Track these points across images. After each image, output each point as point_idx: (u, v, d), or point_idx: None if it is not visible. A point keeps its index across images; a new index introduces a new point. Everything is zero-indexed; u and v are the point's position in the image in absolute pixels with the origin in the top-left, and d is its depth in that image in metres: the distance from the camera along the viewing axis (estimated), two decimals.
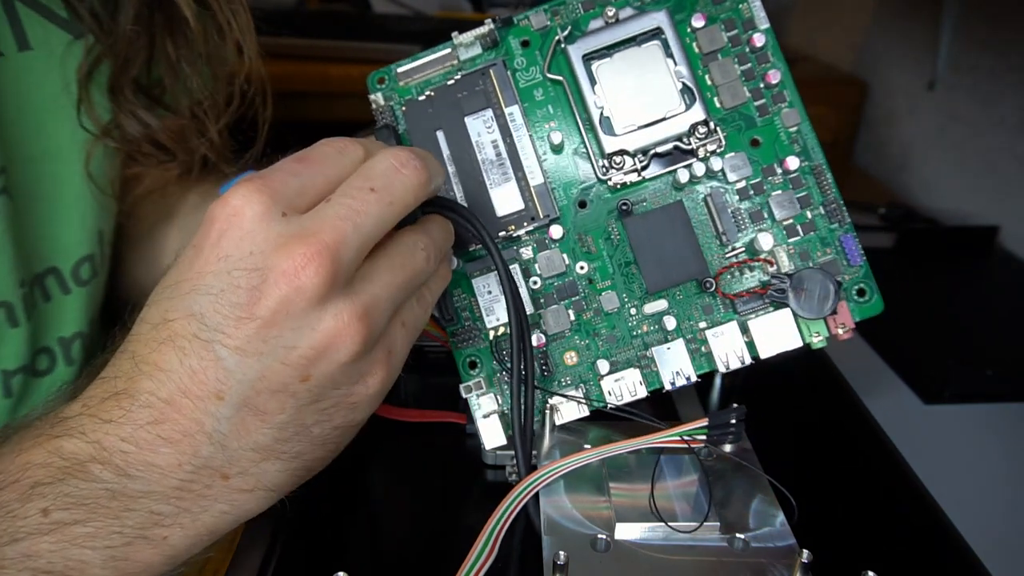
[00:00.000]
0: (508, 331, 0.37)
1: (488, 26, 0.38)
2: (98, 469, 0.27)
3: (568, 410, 0.38)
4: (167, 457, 0.27)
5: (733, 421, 0.35)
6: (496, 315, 0.38)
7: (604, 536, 0.33)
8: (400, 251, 0.31)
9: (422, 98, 0.38)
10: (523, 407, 0.35)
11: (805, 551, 0.30)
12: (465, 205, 0.37)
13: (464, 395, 0.38)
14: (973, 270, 0.73)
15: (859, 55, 1.02)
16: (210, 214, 0.28)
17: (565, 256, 0.38)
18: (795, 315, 0.36)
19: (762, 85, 0.37)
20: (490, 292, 0.38)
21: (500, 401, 0.38)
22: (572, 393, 0.38)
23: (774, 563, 0.32)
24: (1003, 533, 0.41)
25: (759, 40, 0.37)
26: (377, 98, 0.39)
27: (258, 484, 0.29)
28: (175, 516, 0.28)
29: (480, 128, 0.38)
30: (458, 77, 0.38)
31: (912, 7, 0.90)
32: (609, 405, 0.38)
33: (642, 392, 0.37)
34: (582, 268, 0.38)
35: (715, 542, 0.33)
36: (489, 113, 0.38)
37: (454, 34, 0.38)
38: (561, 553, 0.30)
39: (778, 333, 0.36)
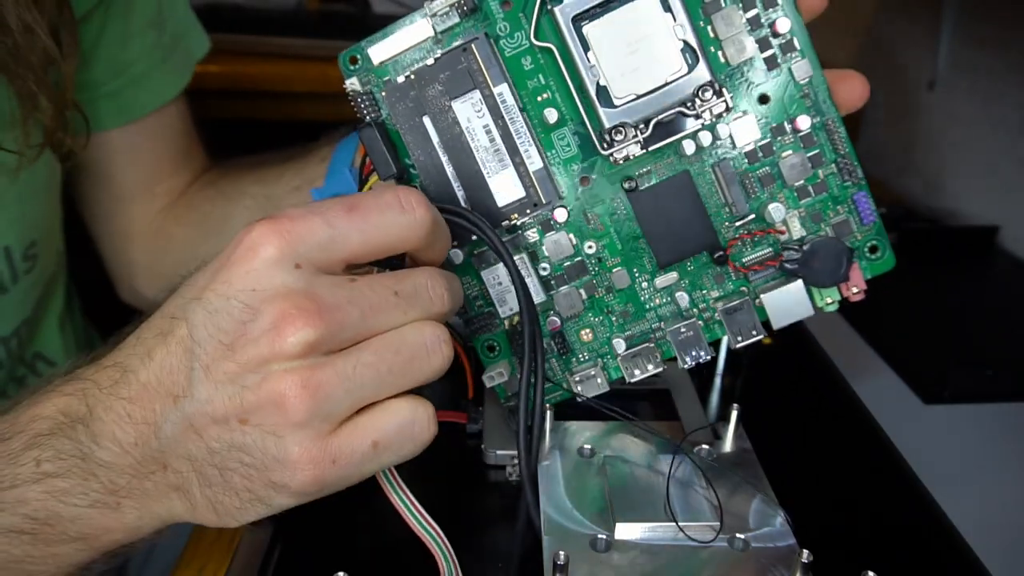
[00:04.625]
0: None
1: None
2: (80, 430, 0.30)
3: (588, 388, 0.38)
4: (128, 435, 0.30)
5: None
6: (509, 305, 0.38)
7: (604, 536, 0.33)
8: (404, 343, 0.30)
9: (401, 80, 0.36)
10: (531, 408, 0.35)
11: (805, 551, 0.30)
12: (465, 204, 0.37)
13: (488, 384, 0.38)
14: (973, 270, 0.73)
15: (859, 55, 1.02)
16: (238, 236, 0.29)
17: (572, 236, 0.37)
18: (807, 284, 0.36)
19: (769, 34, 0.34)
20: (500, 283, 0.38)
21: None
22: (587, 371, 0.38)
23: (774, 563, 0.32)
24: (1003, 533, 0.41)
25: None
26: (353, 83, 0.36)
27: (185, 489, 0.30)
28: (128, 491, 0.30)
29: (469, 112, 0.36)
30: (438, 55, 0.35)
31: (912, 7, 0.90)
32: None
33: (659, 367, 0.37)
34: (590, 247, 0.37)
35: (715, 542, 0.33)
36: (477, 95, 0.35)
37: (426, 2, 0.35)
38: (561, 553, 0.30)
39: (790, 304, 0.36)
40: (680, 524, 0.33)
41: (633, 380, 0.37)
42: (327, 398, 0.28)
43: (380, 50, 0.36)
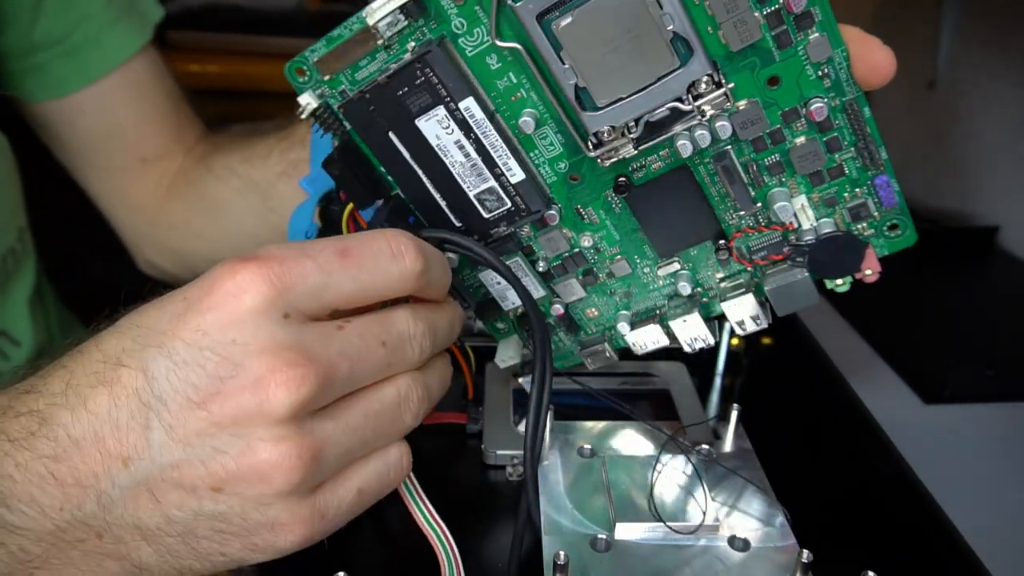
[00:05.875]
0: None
1: None
2: None
3: (596, 359, 0.39)
4: (52, 498, 0.25)
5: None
6: (511, 300, 0.38)
7: (604, 536, 0.33)
8: (385, 404, 0.29)
9: (356, 96, 0.32)
10: (539, 409, 0.35)
11: (805, 551, 0.30)
12: (449, 214, 0.35)
13: (501, 367, 0.41)
14: (973, 270, 0.73)
15: None
16: (214, 276, 0.26)
17: (567, 230, 0.36)
18: (816, 276, 0.34)
19: (781, 7, 0.28)
20: (499, 283, 0.37)
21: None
22: (595, 345, 0.39)
23: (774, 563, 0.32)
24: (1003, 533, 0.41)
25: None
26: (308, 100, 0.33)
27: (127, 557, 0.27)
28: (45, 560, 0.26)
29: (436, 130, 0.32)
30: (391, 70, 0.30)
31: (912, 7, 0.90)
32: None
33: (664, 341, 0.37)
34: (587, 240, 0.36)
35: (715, 542, 0.33)
36: (441, 111, 0.31)
37: (367, 8, 0.30)
38: (561, 553, 0.30)
39: (796, 294, 0.34)
40: (680, 524, 0.33)
41: (642, 353, 0.38)
42: (317, 467, 0.26)
43: (325, 61, 0.32)
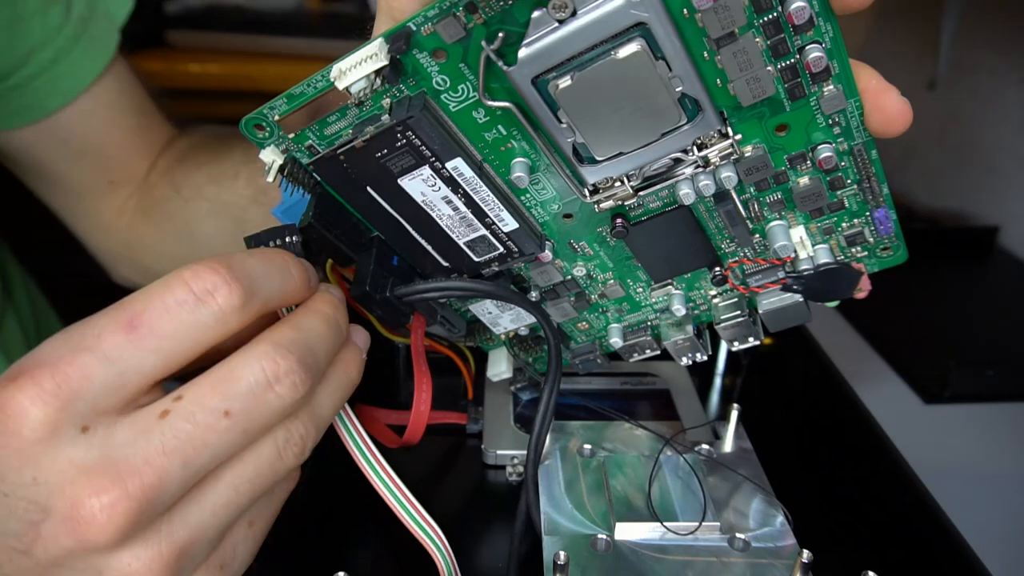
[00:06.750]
0: (520, 335, 0.39)
1: (379, 60, 0.26)
2: None
3: (587, 366, 0.40)
4: None
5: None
6: (503, 326, 0.38)
7: (604, 536, 0.33)
8: (260, 464, 0.25)
9: (328, 155, 0.29)
10: (546, 412, 0.35)
11: (805, 551, 0.30)
12: (437, 256, 0.33)
13: (494, 380, 0.41)
14: (973, 270, 0.73)
15: (859, 55, 1.02)
16: None
17: (559, 261, 0.35)
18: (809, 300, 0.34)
19: (797, 63, 0.26)
20: (490, 312, 0.37)
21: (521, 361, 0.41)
22: (586, 355, 0.39)
23: (774, 563, 0.32)
24: (1003, 533, 0.41)
25: (800, 15, 0.24)
26: (271, 156, 0.30)
27: None
28: None
29: (421, 188, 0.29)
30: (369, 133, 0.28)
31: (912, 7, 0.90)
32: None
33: (655, 351, 0.38)
34: (579, 269, 0.36)
35: (715, 542, 0.33)
36: (427, 171, 0.29)
37: (335, 68, 0.27)
38: (561, 553, 0.30)
39: (789, 313, 0.34)
40: (680, 524, 0.33)
41: (632, 361, 0.38)
42: (189, 561, 0.23)
43: (290, 119, 0.29)
